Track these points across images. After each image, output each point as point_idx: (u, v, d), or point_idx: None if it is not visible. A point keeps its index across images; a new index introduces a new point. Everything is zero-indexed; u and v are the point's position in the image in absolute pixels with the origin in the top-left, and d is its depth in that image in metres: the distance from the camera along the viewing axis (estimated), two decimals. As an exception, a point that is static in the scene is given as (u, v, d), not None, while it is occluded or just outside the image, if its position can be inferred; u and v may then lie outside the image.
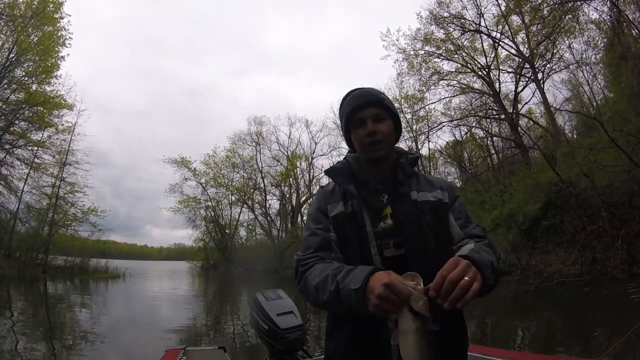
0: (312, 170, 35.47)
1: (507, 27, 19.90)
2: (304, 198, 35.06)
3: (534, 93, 20.69)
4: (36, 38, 20.78)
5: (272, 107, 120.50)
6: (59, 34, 21.51)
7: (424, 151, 27.53)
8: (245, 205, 38.04)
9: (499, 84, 21.24)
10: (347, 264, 1.06)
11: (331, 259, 1.11)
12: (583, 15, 16.45)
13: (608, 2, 13.98)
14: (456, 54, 21.90)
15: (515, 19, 19.72)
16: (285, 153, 35.89)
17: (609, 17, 14.58)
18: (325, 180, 1.36)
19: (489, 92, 21.36)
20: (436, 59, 22.59)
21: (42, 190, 23.32)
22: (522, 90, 21.19)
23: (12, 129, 20.91)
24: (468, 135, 25.30)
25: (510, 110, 20.68)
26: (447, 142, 26.65)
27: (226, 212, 38.74)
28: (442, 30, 21.54)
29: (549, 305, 8.58)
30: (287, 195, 37.13)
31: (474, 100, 22.57)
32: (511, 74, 21.29)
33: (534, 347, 5.40)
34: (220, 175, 37.28)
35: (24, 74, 21.12)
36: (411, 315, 0.82)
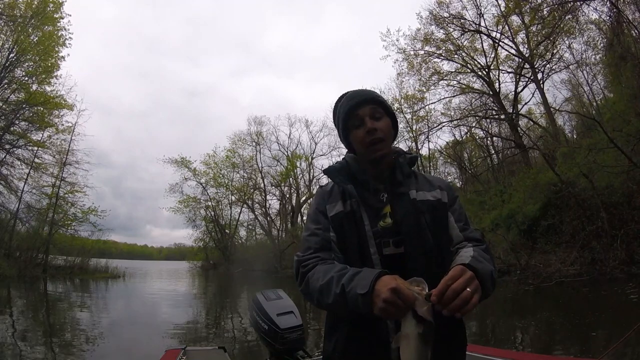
0: (312, 170, 35.54)
1: (507, 27, 19.92)
2: (304, 198, 35.10)
3: (533, 93, 20.74)
4: (36, 38, 20.75)
5: (272, 108, 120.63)
6: (59, 34, 21.49)
7: (424, 151, 27.55)
8: (245, 205, 38.07)
9: (499, 84, 21.27)
10: (347, 264, 1.07)
11: (332, 259, 1.11)
12: (583, 15, 16.48)
13: (608, 3, 14.00)
14: (456, 54, 21.91)
15: (515, 19, 19.74)
16: (285, 153, 35.96)
17: (608, 17, 14.59)
18: (325, 180, 1.36)
19: (489, 92, 21.37)
20: (436, 59, 22.61)
21: (42, 190, 23.32)
22: (522, 91, 21.23)
23: (12, 129, 20.88)
24: (468, 136, 25.34)
25: (510, 111, 20.69)
26: (447, 142, 26.73)
27: (226, 212, 38.79)
28: (442, 31, 21.55)
29: (548, 305, 8.59)
30: (287, 195, 37.18)
31: (473, 100, 22.58)
32: (511, 74, 21.31)
33: (533, 347, 5.41)
34: (220, 175, 37.33)
35: (24, 74, 21.10)
36: (414, 320, 0.83)
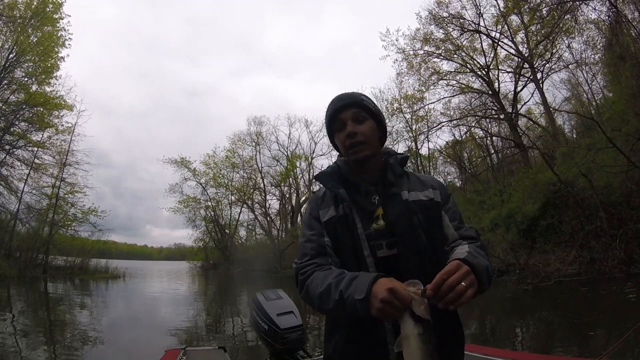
0: (312, 170, 35.49)
1: (506, 27, 19.92)
2: (303, 198, 35.08)
3: (533, 93, 20.74)
4: (36, 39, 20.77)
5: (272, 108, 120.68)
6: (59, 35, 21.52)
7: (424, 151, 27.58)
8: (245, 205, 38.09)
9: (498, 84, 21.28)
10: (343, 267, 1.08)
11: (329, 264, 1.12)
12: (582, 15, 16.49)
13: (607, 2, 14.01)
14: (455, 54, 21.92)
15: (514, 19, 19.74)
16: (285, 153, 35.95)
17: (607, 17, 14.60)
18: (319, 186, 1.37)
19: (488, 91, 21.38)
20: (435, 59, 22.63)
21: (42, 190, 23.33)
22: (521, 90, 21.22)
23: (12, 129, 20.90)
24: (467, 135, 25.32)
25: (510, 110, 20.70)
26: (446, 142, 26.72)
27: (226, 212, 38.82)
28: (441, 30, 21.57)
29: (546, 304, 8.62)
30: (287, 195, 37.20)
31: (473, 100, 22.60)
32: (510, 74, 21.31)
33: (531, 347, 5.42)
34: (220, 175, 37.36)
35: (23, 74, 21.13)
36: (412, 320, 0.85)
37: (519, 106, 21.68)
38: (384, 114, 1.33)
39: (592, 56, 18.80)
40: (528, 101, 21.93)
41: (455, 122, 23.25)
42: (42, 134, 22.64)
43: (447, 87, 22.91)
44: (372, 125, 1.22)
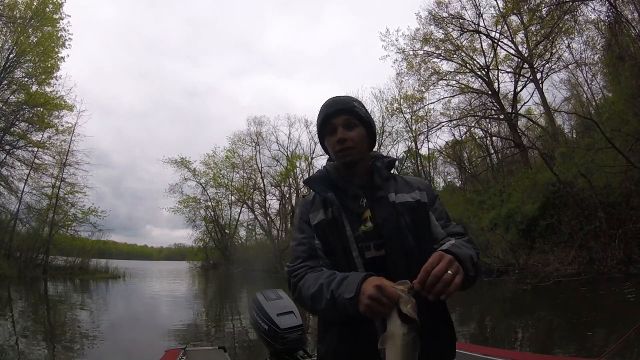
0: (311, 170, 35.42)
1: (506, 27, 19.94)
2: (303, 198, 35.05)
3: (532, 93, 20.76)
4: (36, 39, 20.76)
5: (272, 108, 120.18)
6: (59, 35, 21.49)
7: (424, 151, 27.62)
8: (245, 205, 38.11)
9: (498, 84, 21.29)
10: (334, 269, 1.11)
11: (320, 266, 1.14)
12: (581, 15, 16.48)
13: (606, 3, 14.01)
14: (455, 54, 21.94)
15: (514, 19, 19.76)
16: (285, 153, 35.91)
17: (606, 17, 14.60)
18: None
19: (488, 92, 21.39)
20: (435, 59, 22.65)
21: (43, 190, 23.33)
22: (521, 90, 21.25)
23: (12, 129, 20.90)
24: (467, 135, 25.29)
25: (510, 110, 20.71)
26: (446, 142, 26.70)
27: (226, 212, 38.82)
28: (441, 31, 21.58)
29: (546, 304, 8.63)
30: (287, 195, 37.18)
31: (473, 100, 22.61)
32: (510, 74, 21.33)
33: (530, 347, 5.44)
34: (220, 176, 37.37)
35: (24, 74, 21.12)
36: (399, 320, 0.85)
37: (518, 106, 21.72)
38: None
39: (592, 56, 18.81)
40: (528, 101, 22.00)
41: (455, 122, 23.27)
42: (42, 134, 22.68)
43: (446, 87, 22.95)
44: (362, 131, 1.25)
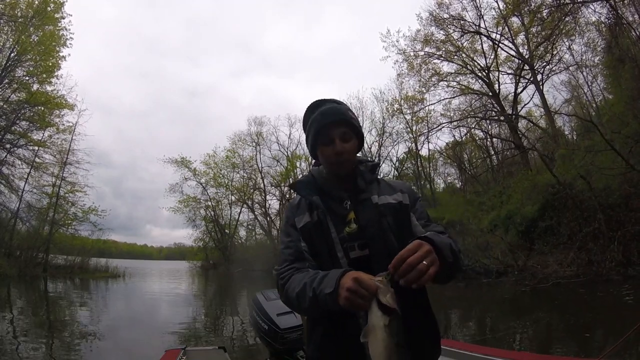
0: (312, 171, 35.40)
1: (506, 28, 19.96)
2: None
3: (533, 95, 20.76)
4: (37, 38, 20.80)
5: (272, 108, 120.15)
6: (60, 34, 21.55)
7: (424, 152, 27.65)
8: (245, 205, 38.16)
9: (499, 86, 21.32)
10: (320, 269, 1.14)
11: (306, 268, 1.17)
12: (582, 17, 16.49)
13: (607, 5, 14.02)
14: (456, 55, 21.95)
15: (515, 20, 19.78)
16: (285, 153, 35.95)
17: (607, 19, 14.60)
18: None
19: (489, 93, 21.41)
20: (436, 60, 22.66)
21: (43, 189, 23.41)
22: (521, 92, 21.27)
23: (13, 128, 20.94)
24: (468, 137, 25.34)
25: (510, 112, 20.73)
26: (446, 143, 26.77)
27: (226, 212, 38.87)
28: (442, 32, 21.59)
29: (544, 306, 8.64)
30: (287, 196, 37.14)
31: (473, 101, 22.62)
32: (511, 76, 21.34)
33: (529, 348, 5.46)
34: (220, 175, 37.43)
35: (25, 73, 21.16)
36: (380, 312, 0.86)
37: (519, 108, 21.72)
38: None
39: (593, 58, 18.81)
40: (528, 103, 22.01)
41: (455, 123, 23.29)
42: (43, 133, 22.76)
43: (447, 89, 22.96)
44: (356, 142, 1.28)
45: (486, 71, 21.37)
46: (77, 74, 43.29)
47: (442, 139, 45.64)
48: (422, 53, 22.45)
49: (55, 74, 21.75)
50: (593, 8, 14.89)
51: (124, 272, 24.81)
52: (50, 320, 8.56)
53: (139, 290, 17.56)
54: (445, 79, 22.76)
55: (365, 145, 28.95)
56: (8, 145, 21.12)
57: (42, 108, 21.55)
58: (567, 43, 18.61)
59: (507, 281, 11.96)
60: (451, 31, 21.28)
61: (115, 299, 13.59)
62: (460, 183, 28.29)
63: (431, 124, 24.55)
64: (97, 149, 40.87)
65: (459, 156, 26.55)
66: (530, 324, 6.98)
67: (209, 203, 37.46)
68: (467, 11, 20.45)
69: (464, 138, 25.59)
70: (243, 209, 38.55)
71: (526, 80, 20.61)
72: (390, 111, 26.84)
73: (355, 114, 1.32)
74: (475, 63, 21.81)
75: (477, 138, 25.34)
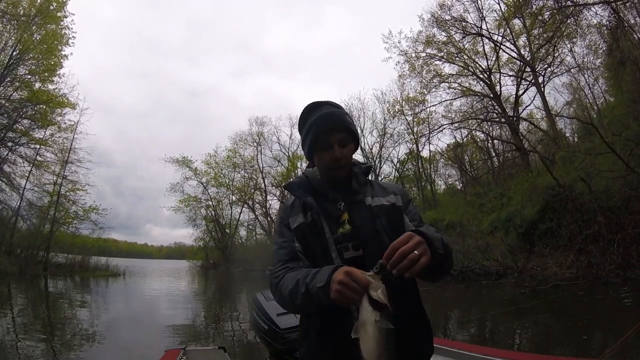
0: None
1: (508, 30, 19.99)
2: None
3: (534, 97, 20.77)
4: (39, 37, 20.84)
5: (273, 108, 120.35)
6: (62, 33, 21.57)
7: (425, 153, 27.66)
8: (245, 205, 38.21)
9: (500, 87, 21.38)
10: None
11: (300, 267, 1.18)
12: (584, 19, 16.48)
13: (608, 7, 14.02)
14: (457, 56, 21.99)
15: (516, 23, 19.80)
16: (286, 153, 35.99)
17: (608, 22, 14.61)
18: None
19: (490, 95, 21.44)
20: (437, 62, 22.73)
21: (44, 188, 23.45)
22: (522, 94, 21.29)
23: (15, 127, 20.98)
24: (469, 138, 25.35)
25: (511, 114, 20.75)
26: (447, 145, 26.79)
27: (227, 212, 38.88)
28: (443, 33, 21.64)
29: (543, 308, 8.63)
30: (288, 196, 37.15)
31: (474, 103, 22.67)
32: (512, 78, 21.39)
33: (527, 349, 5.47)
34: (221, 175, 37.46)
35: (27, 72, 21.20)
36: (370, 307, 0.87)
37: (520, 110, 21.75)
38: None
39: (594, 61, 18.81)
40: (529, 105, 22.00)
41: (456, 124, 23.37)
42: (45, 132, 22.79)
43: (448, 90, 23.02)
44: (353, 147, 1.29)
45: (487, 73, 21.40)
46: (78, 73, 43.34)
47: (443, 140, 45.46)
48: (423, 54, 22.54)
49: (57, 72, 21.82)
50: (594, 10, 14.89)
51: (124, 271, 24.85)
52: (50, 318, 8.58)
53: (139, 289, 17.59)
54: (446, 81, 22.83)
55: (367, 146, 29.03)
56: (10, 144, 21.17)
57: (44, 106, 21.54)
58: (568, 45, 18.66)
59: (506, 283, 11.96)
60: (453, 33, 21.35)
61: (115, 298, 13.62)
62: (461, 184, 28.34)
63: (432, 125, 24.63)
64: (98, 148, 40.95)
65: (459, 158, 26.56)
66: (529, 325, 6.99)
67: (210, 203, 37.54)
68: (468, 13, 20.52)
69: (465, 139, 25.63)
70: (244, 208, 38.66)
71: (527, 82, 20.65)
72: (392, 112, 26.88)
73: (355, 116, 1.33)
74: (477, 65, 21.87)
75: (478, 140, 25.36)
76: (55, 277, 19.70)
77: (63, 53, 21.71)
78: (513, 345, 5.67)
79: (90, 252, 24.58)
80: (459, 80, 22.84)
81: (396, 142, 28.31)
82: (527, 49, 19.82)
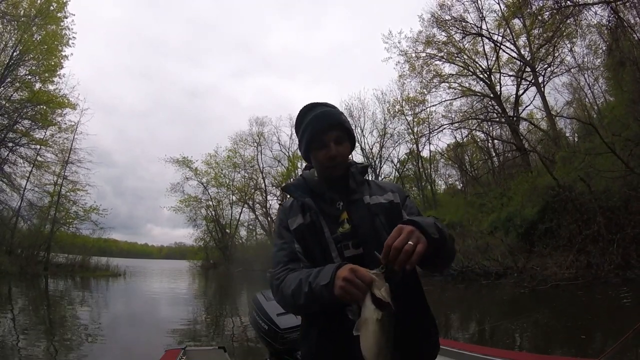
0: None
1: (508, 30, 19.99)
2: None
3: (534, 96, 20.78)
4: (40, 37, 20.86)
5: (273, 108, 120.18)
6: (63, 33, 21.59)
7: (425, 153, 27.67)
8: (246, 205, 38.24)
9: (500, 87, 21.39)
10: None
11: (300, 268, 1.18)
12: (584, 19, 16.47)
13: (608, 7, 14.02)
14: (457, 56, 22.01)
15: (516, 23, 19.80)
16: (287, 154, 36.02)
17: (608, 22, 14.60)
18: None
19: (490, 95, 21.44)
20: (437, 62, 22.75)
21: (45, 188, 23.49)
22: (523, 94, 21.29)
23: (15, 127, 20.99)
24: (469, 138, 25.36)
25: (511, 114, 20.75)
26: (447, 145, 26.81)
27: (227, 212, 38.96)
28: (443, 33, 21.65)
29: (542, 308, 8.64)
30: (288, 196, 37.18)
31: (474, 103, 22.68)
32: (512, 77, 21.39)
33: (527, 349, 5.48)
34: (222, 175, 37.51)
35: (27, 72, 21.23)
36: (373, 305, 0.88)
37: (520, 110, 21.74)
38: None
39: (594, 60, 18.81)
40: (529, 105, 22.01)
41: (456, 124, 23.38)
42: (45, 132, 22.81)
43: (448, 90, 23.04)
44: (349, 145, 1.31)
45: (488, 73, 21.41)
46: (78, 73, 43.34)
47: (443, 140, 45.43)
48: (423, 54, 22.56)
49: (58, 73, 21.84)
50: (594, 10, 14.88)
51: (125, 271, 24.87)
52: (51, 318, 8.58)
53: (139, 289, 17.60)
54: (446, 81, 22.84)
55: (367, 146, 29.08)
56: (10, 144, 21.19)
57: (44, 107, 21.56)
58: (568, 45, 18.67)
59: (506, 283, 11.97)
60: (453, 33, 21.37)
61: (116, 298, 13.63)
62: (461, 184, 28.33)
63: (432, 125, 24.64)
64: (98, 148, 41.12)
65: (460, 158, 26.55)
66: (528, 325, 7.00)
67: (210, 203, 37.58)
68: (468, 13, 20.54)
69: (465, 139, 25.63)
70: (244, 209, 38.70)
71: (527, 82, 20.66)
72: (392, 112, 26.93)
73: (355, 116, 1.34)
74: (477, 65, 21.88)
75: (478, 140, 25.37)
76: (55, 277, 19.70)
77: (63, 53, 21.78)
78: (513, 346, 5.67)
79: (91, 252, 24.62)
80: (459, 80, 22.88)
81: (396, 142, 28.36)
82: (527, 49, 19.85)
